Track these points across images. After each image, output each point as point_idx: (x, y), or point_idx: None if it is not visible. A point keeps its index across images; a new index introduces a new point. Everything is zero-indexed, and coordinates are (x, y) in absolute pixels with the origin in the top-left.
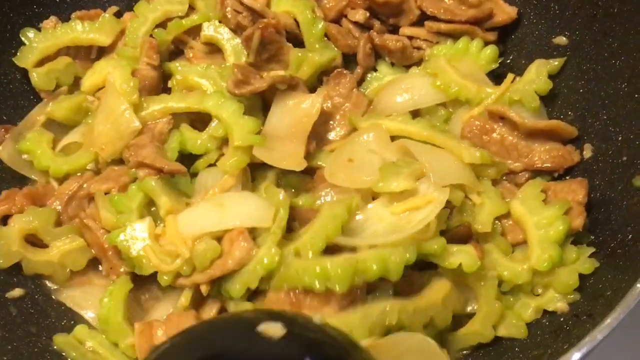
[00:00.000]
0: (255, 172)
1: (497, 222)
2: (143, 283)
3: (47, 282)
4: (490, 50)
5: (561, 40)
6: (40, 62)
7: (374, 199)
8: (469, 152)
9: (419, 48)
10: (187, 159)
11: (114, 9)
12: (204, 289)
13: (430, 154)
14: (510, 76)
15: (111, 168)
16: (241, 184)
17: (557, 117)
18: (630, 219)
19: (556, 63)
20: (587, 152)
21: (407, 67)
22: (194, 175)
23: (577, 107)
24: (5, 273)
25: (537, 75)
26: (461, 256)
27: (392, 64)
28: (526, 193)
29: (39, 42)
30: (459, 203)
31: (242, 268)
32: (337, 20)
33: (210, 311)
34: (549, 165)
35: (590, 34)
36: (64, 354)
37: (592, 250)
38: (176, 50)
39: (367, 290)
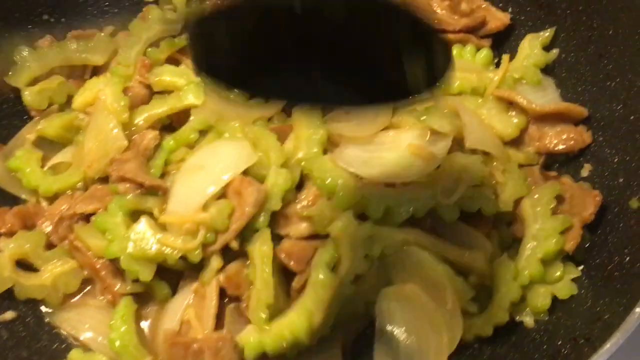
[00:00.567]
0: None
1: None
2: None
3: (39, 305)
4: (485, 54)
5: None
6: (34, 81)
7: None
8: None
9: None
10: None
11: (110, 29)
12: (234, 245)
13: (473, 118)
14: (506, 56)
15: (95, 187)
16: None
17: None
18: (628, 242)
19: (547, 34)
20: (585, 171)
21: None
22: None
23: None
24: None
25: (532, 49)
26: (480, 201)
27: None
28: (541, 195)
29: (32, 61)
30: (482, 178)
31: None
32: None
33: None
34: (561, 147)
35: (585, 55)
36: None
37: (577, 274)
38: None
39: None
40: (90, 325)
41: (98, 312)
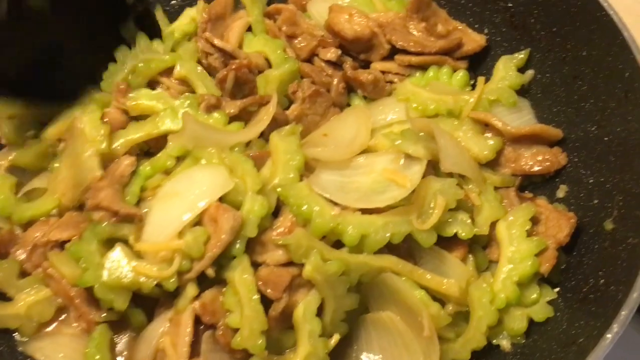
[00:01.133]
0: None
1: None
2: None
3: (12, 333)
4: (462, 76)
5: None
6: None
7: None
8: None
9: (391, 82)
10: None
11: None
12: (210, 272)
13: (448, 141)
14: (481, 78)
15: (70, 214)
16: None
17: None
18: (602, 264)
19: (522, 56)
20: (561, 192)
21: None
22: None
23: None
24: None
25: (506, 71)
26: (457, 225)
27: (365, 98)
28: (516, 217)
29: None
30: (458, 202)
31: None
32: (309, 60)
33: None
34: (537, 169)
35: (560, 76)
36: None
37: (553, 296)
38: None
39: None
40: (64, 354)
41: (73, 341)
